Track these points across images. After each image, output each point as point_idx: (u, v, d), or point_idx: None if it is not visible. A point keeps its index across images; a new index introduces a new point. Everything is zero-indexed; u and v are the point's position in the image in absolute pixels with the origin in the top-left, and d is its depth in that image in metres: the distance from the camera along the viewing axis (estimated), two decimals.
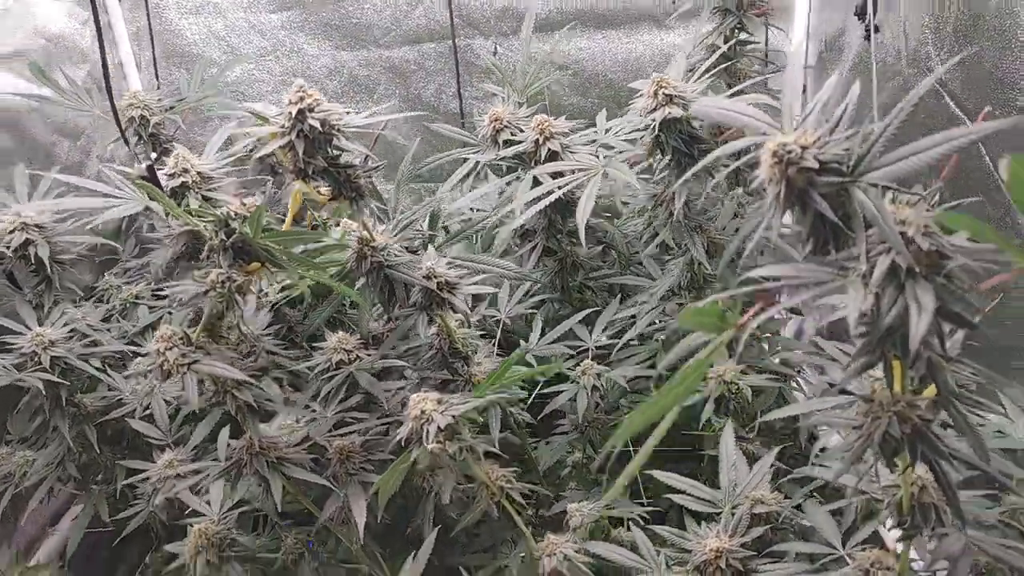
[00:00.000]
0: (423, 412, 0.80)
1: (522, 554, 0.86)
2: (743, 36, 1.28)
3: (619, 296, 1.33)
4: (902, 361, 0.52)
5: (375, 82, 2.07)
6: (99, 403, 1.32)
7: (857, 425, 0.56)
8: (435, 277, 0.98)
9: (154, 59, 1.95)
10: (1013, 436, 0.90)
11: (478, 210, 1.47)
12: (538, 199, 1.08)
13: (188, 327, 0.89)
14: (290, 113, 0.84)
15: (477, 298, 1.22)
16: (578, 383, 1.14)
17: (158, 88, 1.82)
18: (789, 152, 0.54)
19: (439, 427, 0.78)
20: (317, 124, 0.84)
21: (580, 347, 1.22)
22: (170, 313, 1.28)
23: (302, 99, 0.84)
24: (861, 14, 1.24)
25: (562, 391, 1.16)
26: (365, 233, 0.96)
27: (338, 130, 0.86)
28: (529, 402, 1.19)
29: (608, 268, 1.45)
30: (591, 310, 1.28)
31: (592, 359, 1.18)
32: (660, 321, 1.19)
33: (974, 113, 0.94)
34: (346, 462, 0.96)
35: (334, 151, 0.89)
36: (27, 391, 1.31)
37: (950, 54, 0.98)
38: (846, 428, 0.57)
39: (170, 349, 0.84)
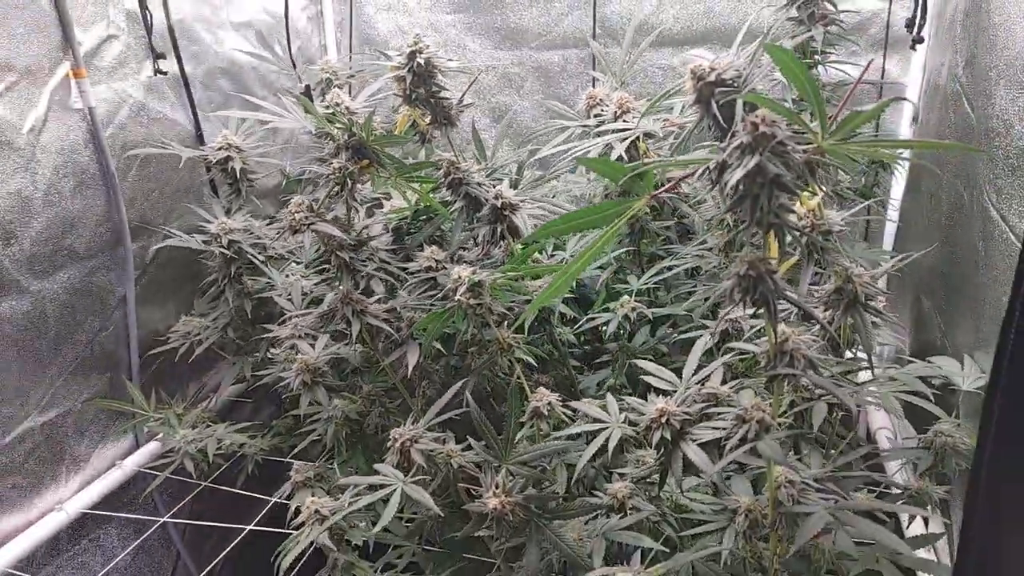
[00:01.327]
0: (459, 276, 1.07)
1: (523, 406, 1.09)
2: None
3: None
4: (750, 221, 0.72)
5: (523, 79, 2.39)
6: (258, 286, 1.71)
7: (731, 275, 0.76)
8: (501, 198, 1.25)
9: (350, 43, 2.40)
10: (959, 383, 1.02)
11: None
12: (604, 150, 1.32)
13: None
14: (406, 53, 1.15)
15: None
16: (616, 313, 1.36)
17: (350, 66, 2.23)
18: (701, 71, 0.76)
19: (466, 286, 1.05)
20: (423, 62, 1.14)
21: (627, 289, 1.44)
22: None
23: (415, 44, 1.15)
24: (909, 26, 1.36)
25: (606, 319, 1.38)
26: (452, 156, 1.26)
27: (439, 69, 1.16)
28: (579, 328, 1.43)
29: (680, 243, 1.65)
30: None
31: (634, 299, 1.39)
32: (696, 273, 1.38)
33: (977, 106, 1.06)
34: (411, 327, 1.25)
35: (435, 87, 1.19)
36: (208, 273, 1.75)
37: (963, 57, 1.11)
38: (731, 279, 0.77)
39: (299, 212, 1.17)
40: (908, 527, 1.00)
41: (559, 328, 1.44)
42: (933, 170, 1.18)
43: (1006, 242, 0.92)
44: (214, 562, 1.47)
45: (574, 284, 1.53)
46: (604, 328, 1.37)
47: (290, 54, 2.09)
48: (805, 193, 0.84)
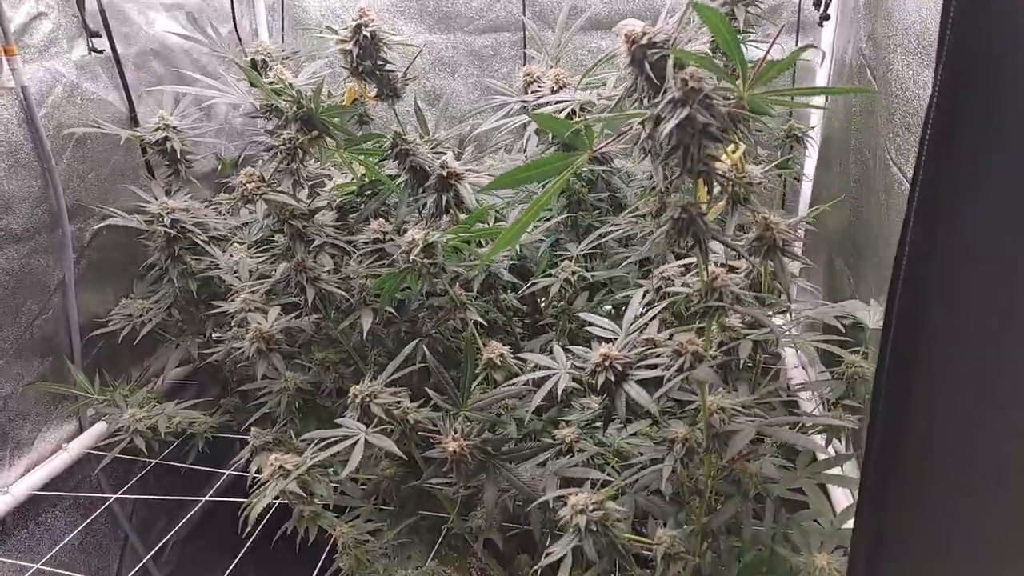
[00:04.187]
0: (413, 238, 1.13)
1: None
2: None
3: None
4: (682, 170, 0.81)
5: (457, 63, 2.45)
6: (201, 266, 1.72)
7: (666, 219, 0.85)
8: (446, 167, 1.31)
9: (282, 26, 2.41)
10: (865, 322, 1.14)
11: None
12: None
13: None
14: (352, 27, 1.20)
15: None
16: (557, 277, 1.44)
17: (283, 48, 2.24)
18: (635, 35, 0.84)
19: (420, 247, 1.11)
20: (368, 35, 1.19)
21: (567, 255, 1.52)
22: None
23: (361, 18, 1.20)
24: (816, 4, 1.49)
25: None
26: (399, 128, 1.31)
27: (383, 42, 1.21)
28: (523, 292, 1.50)
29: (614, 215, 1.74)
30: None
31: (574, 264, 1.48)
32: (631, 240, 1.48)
33: (879, 75, 1.18)
34: (362, 293, 1.30)
35: (380, 60, 1.24)
36: (148, 255, 1.75)
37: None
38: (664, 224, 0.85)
39: (251, 182, 1.20)
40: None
41: (503, 295, 1.51)
42: (842, 140, 1.29)
43: (903, 193, 1.04)
44: (170, 533, 1.49)
45: (516, 256, 1.61)
46: (542, 299, 1.44)
47: (236, 33, 2.10)
48: (730, 147, 0.94)
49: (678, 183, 0.83)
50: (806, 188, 2.11)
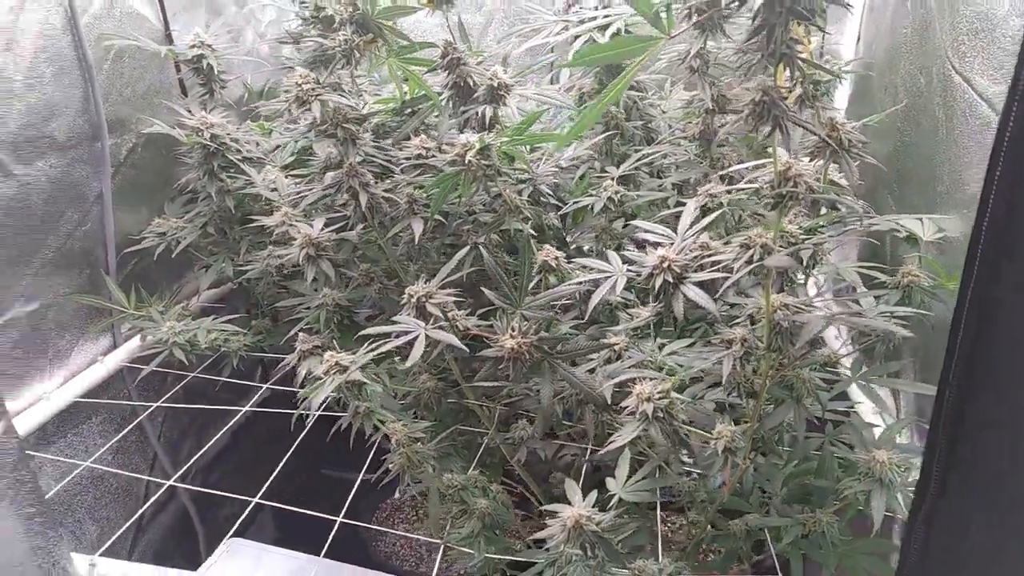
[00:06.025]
0: (468, 141, 1.13)
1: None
2: None
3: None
4: (765, 52, 0.81)
5: None
6: (237, 184, 1.71)
7: (747, 102, 0.85)
8: (496, 78, 1.30)
9: None
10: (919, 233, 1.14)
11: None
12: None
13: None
14: None
15: None
16: (600, 196, 1.44)
17: None
18: None
19: (476, 149, 1.11)
20: None
21: (608, 175, 1.52)
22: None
23: None
24: None
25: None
26: (450, 38, 1.30)
27: None
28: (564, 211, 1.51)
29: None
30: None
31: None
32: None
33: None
34: (413, 204, 1.30)
35: None
36: (180, 177, 1.75)
37: None
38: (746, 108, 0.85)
39: (305, 83, 1.19)
40: None
41: (545, 215, 1.52)
42: (889, 68, 1.28)
43: (968, 101, 1.04)
44: (210, 442, 1.51)
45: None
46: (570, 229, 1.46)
47: None
48: (804, 41, 0.94)
49: (758, 68, 0.83)
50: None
